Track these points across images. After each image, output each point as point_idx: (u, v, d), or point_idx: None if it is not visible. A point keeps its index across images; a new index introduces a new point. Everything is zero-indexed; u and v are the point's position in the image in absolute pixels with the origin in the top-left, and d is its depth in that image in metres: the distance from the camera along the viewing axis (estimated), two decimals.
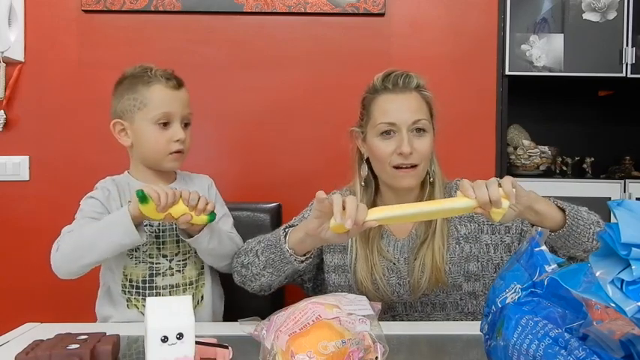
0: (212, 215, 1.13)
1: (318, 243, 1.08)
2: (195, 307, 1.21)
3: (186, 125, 1.25)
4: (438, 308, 1.20)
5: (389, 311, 1.21)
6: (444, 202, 1.02)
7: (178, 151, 1.22)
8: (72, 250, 1.11)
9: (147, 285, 1.21)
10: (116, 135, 1.25)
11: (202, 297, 1.26)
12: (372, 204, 1.23)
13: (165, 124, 1.21)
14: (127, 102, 1.22)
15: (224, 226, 1.32)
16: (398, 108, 1.17)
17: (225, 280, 1.32)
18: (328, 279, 1.25)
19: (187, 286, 1.24)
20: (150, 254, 1.21)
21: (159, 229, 1.22)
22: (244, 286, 1.20)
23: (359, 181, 1.24)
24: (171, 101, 1.21)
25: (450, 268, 1.17)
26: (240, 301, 1.32)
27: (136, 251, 1.20)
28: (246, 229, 1.37)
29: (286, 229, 1.12)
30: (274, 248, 1.11)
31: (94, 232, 1.11)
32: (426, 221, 1.20)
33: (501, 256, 1.21)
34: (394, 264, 1.21)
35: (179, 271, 1.23)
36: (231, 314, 1.33)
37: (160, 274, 1.21)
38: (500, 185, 0.94)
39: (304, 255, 1.11)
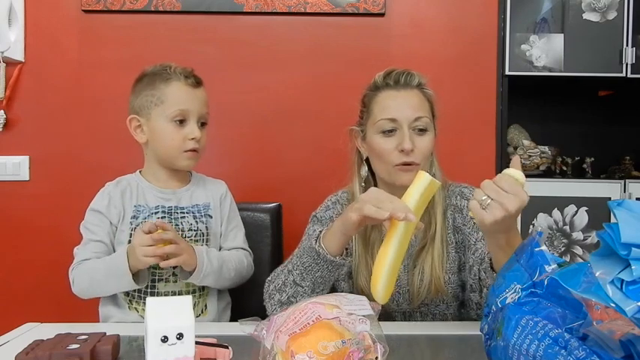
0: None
1: (354, 231, 1.00)
2: (198, 317, 1.21)
3: (202, 124, 1.25)
4: (439, 320, 1.18)
5: (388, 321, 1.17)
6: None
7: (193, 150, 1.22)
8: (87, 288, 1.19)
9: (148, 290, 1.20)
10: (132, 131, 1.24)
11: (206, 306, 1.25)
12: None
13: (182, 122, 1.21)
14: (145, 98, 1.21)
15: (234, 240, 1.31)
16: (399, 104, 1.14)
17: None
18: (337, 286, 1.21)
19: (190, 294, 1.21)
20: None
21: None
22: None
23: (358, 181, 1.22)
24: (188, 99, 1.21)
25: (449, 278, 1.15)
26: (246, 302, 1.32)
27: None
28: (246, 229, 1.36)
29: (318, 241, 1.03)
30: (317, 265, 1.03)
31: (103, 276, 1.16)
32: (425, 226, 1.17)
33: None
34: None
35: None
36: (234, 315, 1.32)
37: (162, 279, 1.20)
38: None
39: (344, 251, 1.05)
